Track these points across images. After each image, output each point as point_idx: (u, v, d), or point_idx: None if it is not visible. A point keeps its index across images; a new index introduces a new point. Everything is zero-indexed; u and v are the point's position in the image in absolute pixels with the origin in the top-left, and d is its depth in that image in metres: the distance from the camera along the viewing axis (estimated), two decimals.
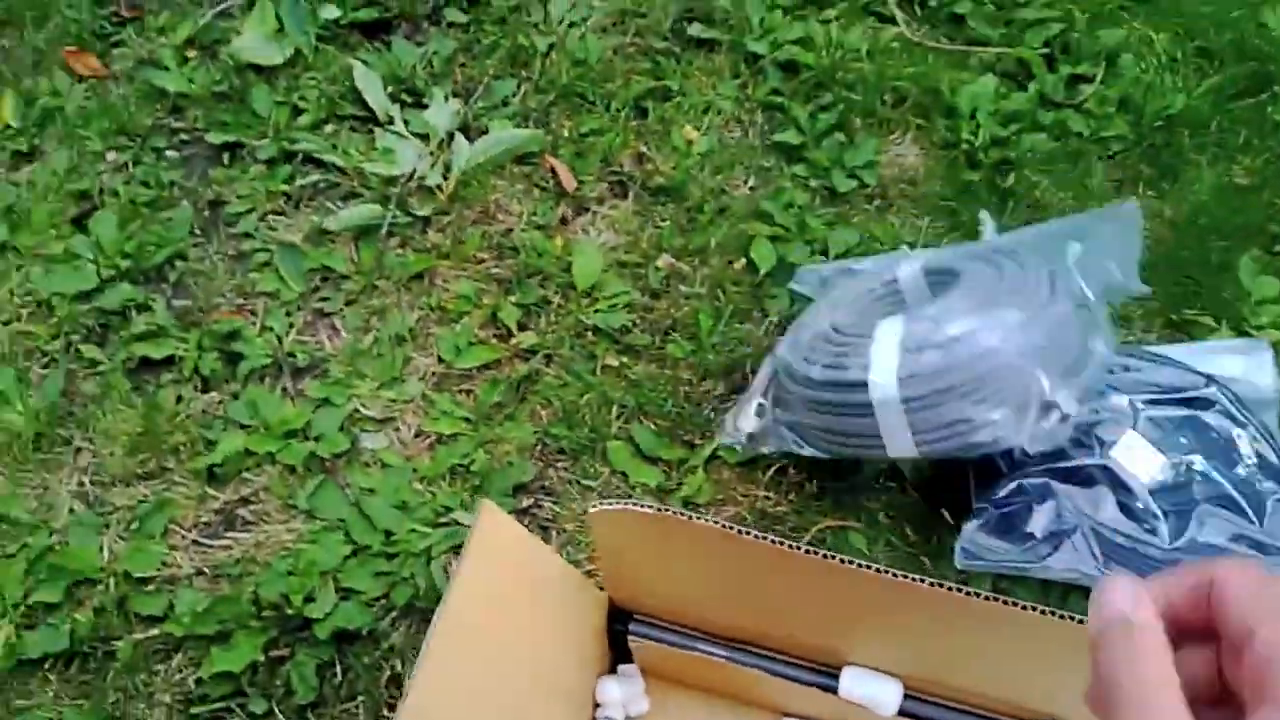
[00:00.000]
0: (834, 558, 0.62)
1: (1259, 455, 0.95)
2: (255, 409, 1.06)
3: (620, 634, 0.83)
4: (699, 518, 0.64)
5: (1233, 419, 0.96)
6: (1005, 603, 0.60)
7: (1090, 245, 0.96)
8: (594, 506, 0.67)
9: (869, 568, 0.62)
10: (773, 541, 0.63)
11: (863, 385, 0.87)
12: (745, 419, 1.02)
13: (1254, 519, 0.90)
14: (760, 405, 1.02)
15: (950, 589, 0.61)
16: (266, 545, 0.98)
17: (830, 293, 1.06)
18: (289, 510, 1.01)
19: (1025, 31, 1.42)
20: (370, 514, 0.98)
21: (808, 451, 0.97)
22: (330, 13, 1.45)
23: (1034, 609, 0.60)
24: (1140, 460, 0.95)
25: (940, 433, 0.87)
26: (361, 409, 1.08)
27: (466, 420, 1.07)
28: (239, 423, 1.06)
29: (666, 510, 0.65)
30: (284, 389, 1.09)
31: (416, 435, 1.07)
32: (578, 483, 1.04)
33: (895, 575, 0.62)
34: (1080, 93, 1.36)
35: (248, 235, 1.22)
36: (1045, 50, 1.41)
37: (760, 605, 0.75)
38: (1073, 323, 0.89)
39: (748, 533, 0.64)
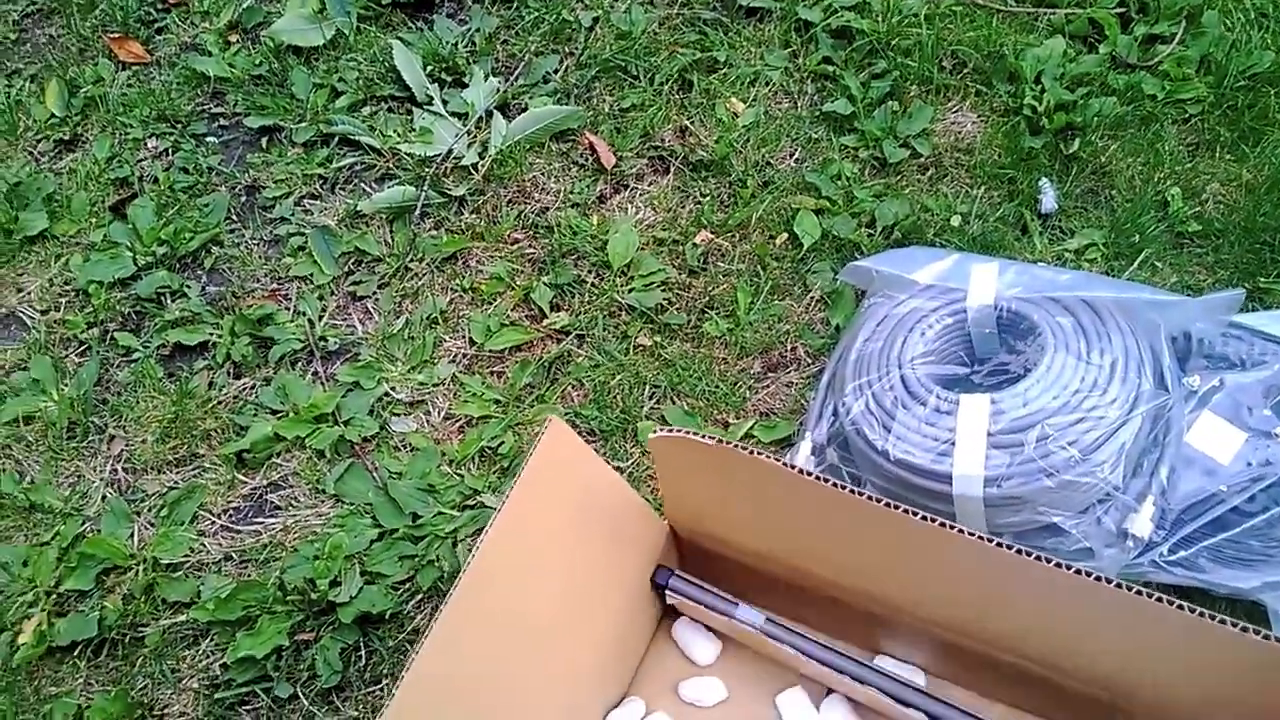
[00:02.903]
0: (878, 500, 0.61)
1: None
2: (285, 394, 1.04)
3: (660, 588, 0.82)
4: (757, 453, 0.62)
5: None
6: (1036, 557, 0.59)
7: (1178, 319, 0.90)
8: (653, 433, 0.66)
9: (910, 513, 0.60)
10: (828, 483, 0.62)
11: (945, 477, 0.84)
12: (801, 461, 0.96)
13: None
14: (815, 446, 0.96)
15: (985, 539, 0.59)
16: (294, 530, 0.97)
17: (889, 305, 0.99)
18: (317, 495, 0.99)
19: None
20: (397, 497, 0.96)
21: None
22: None
23: (1061, 565, 0.58)
24: (1219, 441, 0.88)
25: (1014, 525, 0.86)
26: (391, 392, 1.06)
27: (496, 402, 1.04)
28: (269, 408, 1.05)
29: (725, 442, 0.63)
30: (315, 373, 1.08)
31: (446, 418, 1.04)
32: (608, 463, 1.00)
33: (937, 522, 0.60)
34: (1157, 53, 1.27)
35: (283, 219, 1.21)
36: (1120, 9, 1.31)
37: (811, 543, 0.73)
38: (1164, 416, 0.85)
39: (804, 471, 0.62)
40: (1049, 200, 1.13)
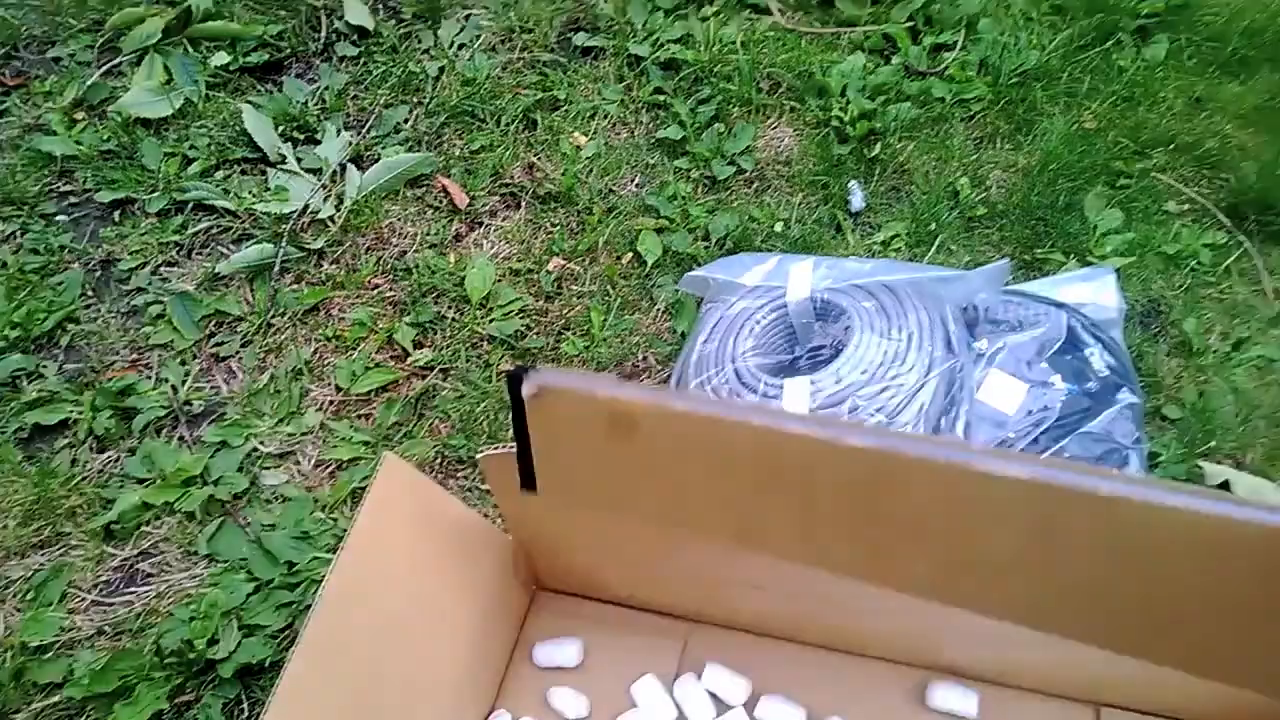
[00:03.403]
0: None
1: (1109, 368, 0.91)
2: (152, 461, 0.97)
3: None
4: None
5: (1084, 340, 0.92)
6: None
7: (962, 291, 0.94)
8: (480, 453, 0.63)
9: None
10: None
11: None
12: None
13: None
14: None
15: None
16: (168, 595, 0.90)
17: (723, 308, 0.99)
18: (190, 557, 0.93)
19: (891, 8, 1.37)
20: (271, 549, 0.90)
21: None
22: (220, 60, 1.37)
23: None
24: (1005, 394, 0.90)
25: None
26: (260, 447, 1.00)
27: (366, 444, 1.00)
28: (136, 477, 0.97)
29: None
30: (181, 438, 1.01)
31: (316, 465, 0.99)
32: (477, 489, 0.97)
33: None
34: (943, 60, 1.31)
35: (140, 290, 1.14)
36: (910, 24, 1.35)
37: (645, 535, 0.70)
38: (956, 378, 0.88)
39: None
40: (857, 200, 1.15)
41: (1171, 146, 1.23)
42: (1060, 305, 0.97)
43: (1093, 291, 0.99)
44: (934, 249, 1.10)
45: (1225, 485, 0.94)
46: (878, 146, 1.19)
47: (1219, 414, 1.00)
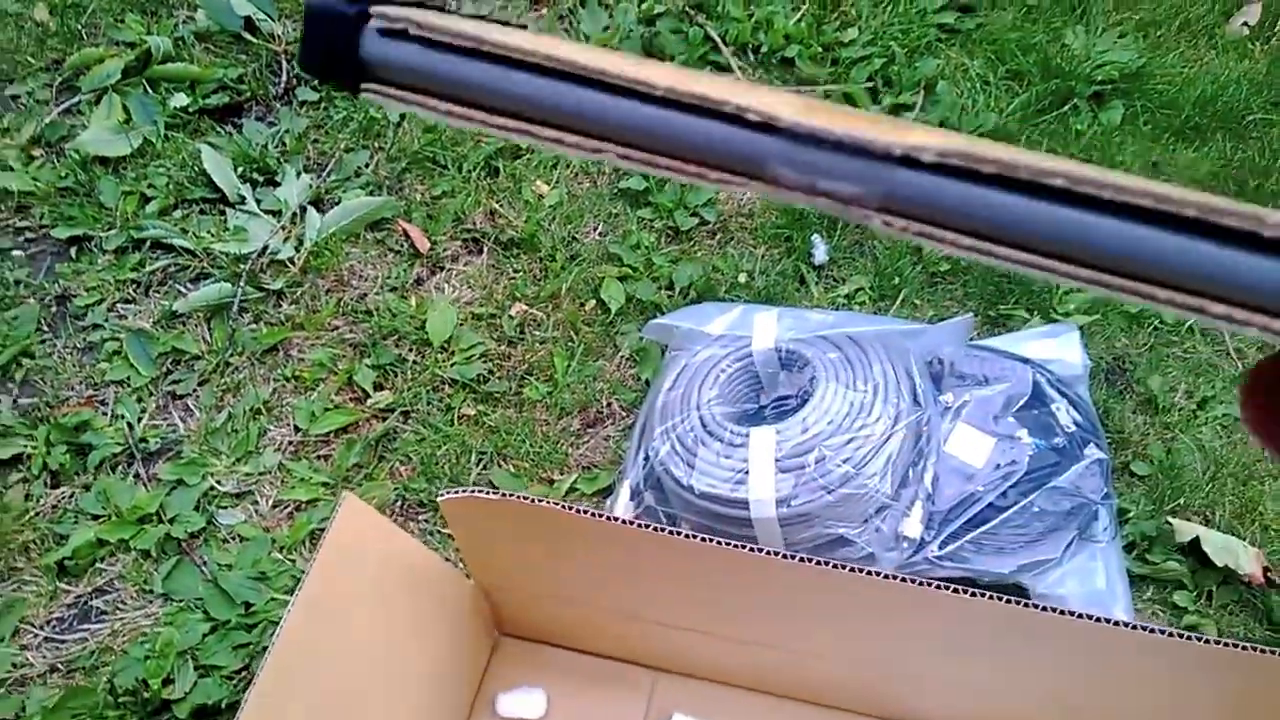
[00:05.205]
0: (650, 527, 0.65)
1: (1075, 424, 1.01)
2: (107, 498, 1.04)
3: None
4: (542, 501, 0.66)
5: (1050, 395, 1.03)
6: (828, 565, 0.64)
7: (926, 345, 1.04)
8: (441, 496, 0.68)
9: (691, 537, 0.64)
10: (606, 519, 0.66)
11: (743, 503, 0.93)
12: (621, 507, 1.04)
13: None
14: (633, 490, 1.04)
15: (786, 556, 0.64)
16: (123, 633, 0.96)
17: (688, 356, 1.09)
18: (145, 595, 0.99)
19: (851, 69, 1.51)
20: (228, 589, 0.97)
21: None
22: (180, 101, 1.47)
23: (842, 567, 0.64)
24: (972, 448, 1.00)
25: (808, 540, 0.95)
26: (217, 486, 1.07)
27: (325, 485, 1.07)
28: (91, 514, 1.04)
29: (510, 495, 0.66)
30: (137, 475, 1.08)
31: (274, 505, 1.06)
32: (438, 533, 1.04)
33: (715, 541, 0.64)
34: (903, 119, 1.44)
35: (97, 326, 1.21)
36: (869, 84, 1.49)
37: (611, 579, 0.77)
38: (923, 430, 0.98)
39: (584, 511, 0.66)
40: (820, 253, 1.26)
41: None
42: (1026, 361, 1.08)
43: (1057, 348, 1.10)
44: (898, 303, 1.22)
45: (1195, 542, 1.02)
46: None
47: (1186, 471, 1.09)
